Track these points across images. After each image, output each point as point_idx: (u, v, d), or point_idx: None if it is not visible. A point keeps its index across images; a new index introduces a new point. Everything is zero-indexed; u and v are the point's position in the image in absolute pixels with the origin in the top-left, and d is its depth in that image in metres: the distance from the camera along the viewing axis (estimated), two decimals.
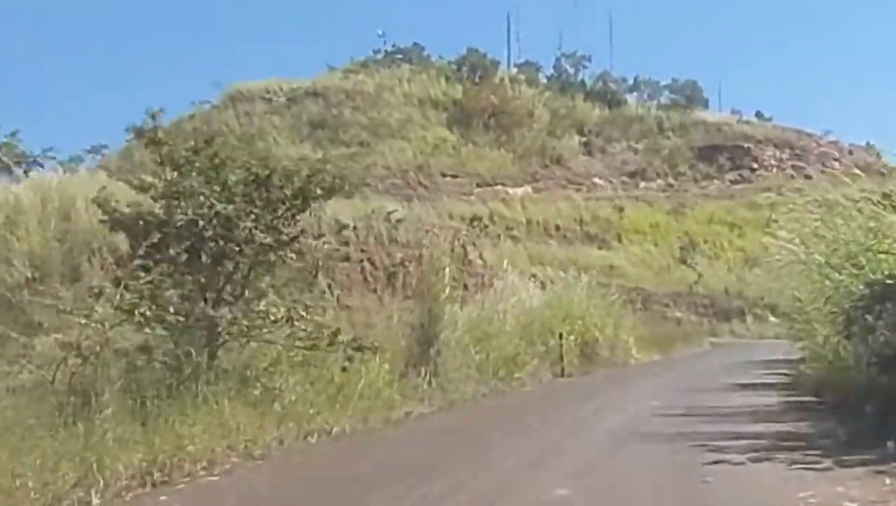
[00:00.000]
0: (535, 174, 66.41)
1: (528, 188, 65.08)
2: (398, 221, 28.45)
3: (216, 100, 66.52)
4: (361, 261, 29.12)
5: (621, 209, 61.47)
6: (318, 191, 10.92)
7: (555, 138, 68.84)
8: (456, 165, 64.23)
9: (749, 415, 11.59)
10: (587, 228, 59.58)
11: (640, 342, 27.85)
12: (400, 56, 73.27)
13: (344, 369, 10.48)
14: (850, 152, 75.27)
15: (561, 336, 19.66)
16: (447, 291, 15.48)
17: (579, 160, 69.67)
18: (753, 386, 16.80)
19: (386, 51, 73.28)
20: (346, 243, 30.98)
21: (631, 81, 76.59)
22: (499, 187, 63.96)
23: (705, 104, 79.18)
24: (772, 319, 47.47)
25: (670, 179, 69.77)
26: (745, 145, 72.00)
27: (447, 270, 16.36)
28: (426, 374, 14.61)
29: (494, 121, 67.75)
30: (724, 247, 59.31)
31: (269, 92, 67.01)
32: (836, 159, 74.16)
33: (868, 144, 78.72)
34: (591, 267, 54.08)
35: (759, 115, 78.53)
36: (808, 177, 74.74)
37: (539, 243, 56.19)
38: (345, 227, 30.80)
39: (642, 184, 68.62)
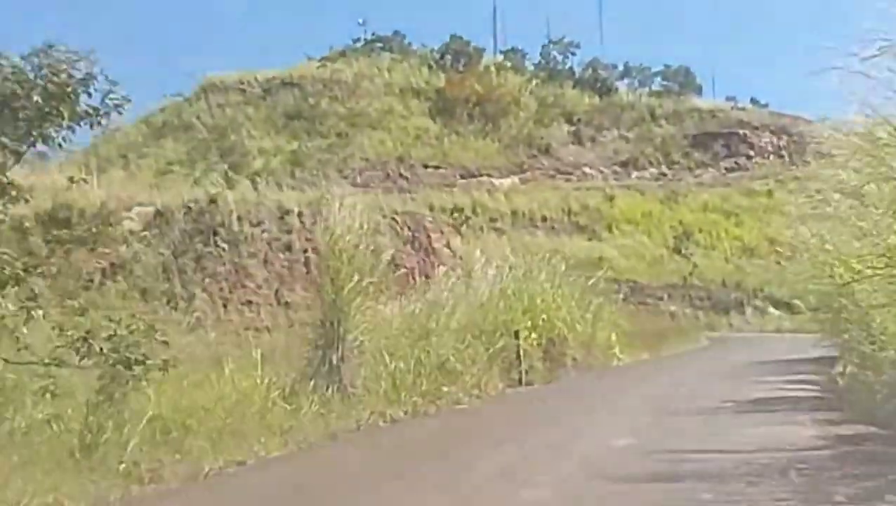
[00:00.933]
0: (522, 164, 62.39)
1: (515, 179, 61.11)
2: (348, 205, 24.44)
3: (189, 92, 63.12)
4: (306, 251, 25.28)
5: (612, 198, 57.44)
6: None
7: (542, 127, 64.77)
8: (438, 155, 60.27)
9: (777, 470, 7.35)
10: (576, 218, 55.55)
11: (627, 340, 23.93)
12: (380, 44, 69.13)
13: (107, 399, 6.51)
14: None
15: (517, 334, 15.71)
16: (355, 280, 11.51)
17: (568, 150, 65.59)
18: (771, 404, 12.60)
19: (366, 39, 69.19)
20: (290, 231, 27.33)
21: (621, 68, 72.39)
22: (484, 178, 59.99)
23: (699, 91, 74.98)
24: (772, 310, 43.54)
25: (663, 168, 65.69)
26: (741, 132, 67.92)
27: (375, 255, 12.44)
28: (326, 389, 10.68)
29: (479, 110, 63.70)
30: (721, 236, 55.27)
31: (243, 83, 62.94)
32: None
33: (867, 129, 75.44)
34: (580, 259, 50.23)
35: (754, 101, 74.48)
36: (806, 163, 71.35)
37: (525, 235, 52.23)
38: (287, 212, 27.11)
39: (634, 173, 64.56)
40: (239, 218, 23.48)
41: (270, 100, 62.32)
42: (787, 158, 68.26)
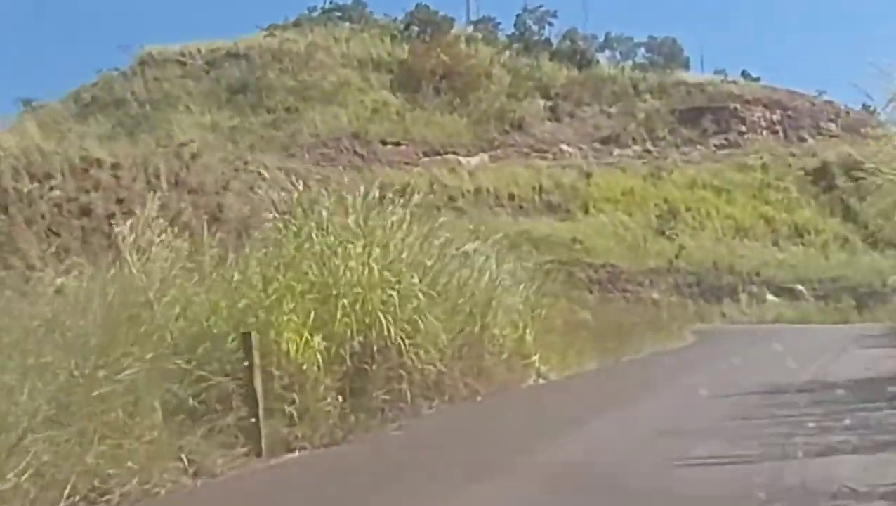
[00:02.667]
0: (493, 141, 54.35)
1: (485, 157, 53.10)
2: (193, 156, 16.99)
3: (125, 66, 55.32)
4: (111, 216, 17.51)
5: (589, 175, 49.50)
6: None
7: (516, 102, 56.70)
8: (399, 132, 52.24)
9: None
10: (548, 197, 47.64)
11: (577, 340, 16.31)
12: (339, 14, 61.29)
13: None
14: (848, 113, 63.61)
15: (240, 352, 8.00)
16: None
17: (545, 126, 57.57)
18: None
19: (323, 9, 61.28)
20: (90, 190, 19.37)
21: (602, 39, 64.53)
22: (450, 156, 52.01)
23: (686, 64, 67.16)
24: (770, 297, 35.64)
25: (648, 145, 57.63)
26: (732, 106, 59.89)
27: None
28: None
29: (446, 84, 55.62)
30: (711, 215, 47.33)
31: (184, 55, 54.89)
32: (831, 120, 62.62)
33: (865, 106, 67.53)
34: (550, 240, 42.37)
35: (745, 74, 66.56)
36: (801, 140, 63.57)
37: (489, 215, 44.36)
38: (94, 163, 19.09)
39: (616, 151, 56.54)
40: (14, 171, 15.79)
41: (214, 73, 54.50)
42: (781, 135, 60.60)
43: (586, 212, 46.22)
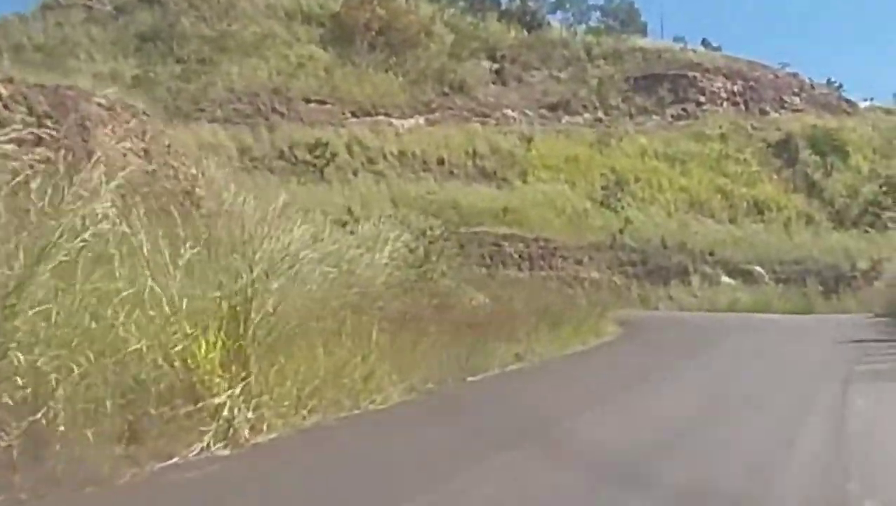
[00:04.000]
0: (430, 104, 48.00)
1: (420, 120, 46.86)
2: None
3: (26, 10, 48.62)
4: None
5: (529, 140, 43.50)
6: None
7: (458, 62, 50.53)
8: (326, 89, 45.89)
9: None
10: (482, 162, 41.48)
11: (387, 353, 9.83)
12: None
13: None
14: (812, 87, 58.02)
15: None
16: None
17: (489, 89, 51.30)
18: None
19: None
20: None
21: (554, 0, 58.44)
22: (382, 118, 45.85)
23: (643, 30, 61.35)
24: (725, 280, 29.53)
25: (599, 114, 51.43)
26: (691, 74, 53.80)
27: None
28: None
29: (383, 40, 49.33)
30: (663, 187, 41.35)
31: None
32: (795, 94, 56.85)
33: (829, 80, 61.99)
34: (478, 210, 36.27)
35: (705, 43, 60.78)
36: (763, 112, 57.80)
37: (413, 181, 38.31)
38: None
39: (565, 118, 50.36)
40: None
41: (122, 19, 47.94)
42: (743, 107, 54.71)
43: (524, 180, 40.17)
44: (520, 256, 33.52)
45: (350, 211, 32.35)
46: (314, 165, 36.75)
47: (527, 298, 18.53)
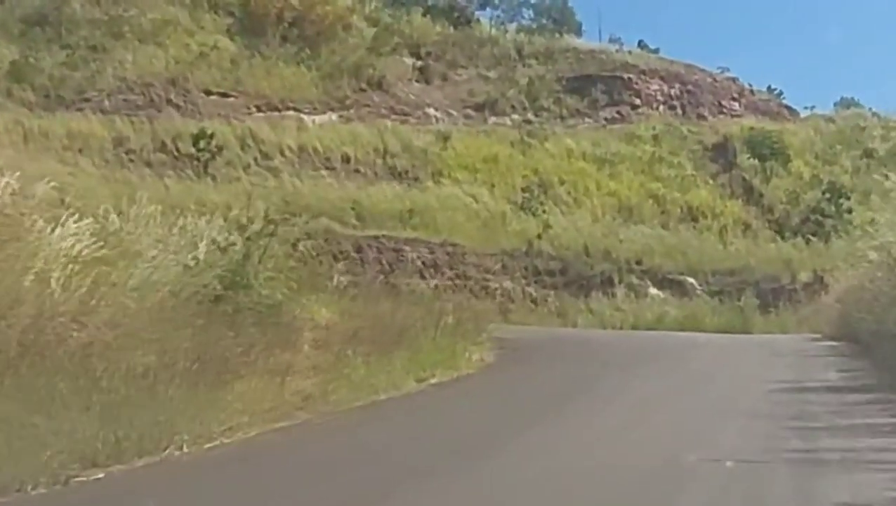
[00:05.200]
0: (345, 100, 43.15)
1: (333, 116, 42.20)
2: None
3: None
4: None
5: (446, 139, 38.93)
6: None
7: (377, 58, 45.92)
8: (230, 81, 41.06)
9: None
10: (393, 161, 36.78)
11: None
12: None
13: None
14: (752, 92, 54.26)
15: None
16: None
17: (411, 87, 46.65)
18: None
19: None
20: None
21: None
22: (290, 112, 41.08)
23: (578, 30, 57.13)
24: (653, 291, 24.98)
25: (529, 115, 46.95)
26: (626, 76, 49.57)
27: None
28: None
29: (296, 32, 44.67)
30: (590, 190, 36.89)
31: None
32: (734, 99, 52.97)
33: (769, 87, 58.22)
34: (378, 211, 31.50)
35: (642, 45, 56.68)
36: (701, 117, 53.81)
37: (311, 179, 33.54)
38: None
39: (492, 119, 45.79)
40: None
41: (8, 2, 42.77)
42: (680, 111, 50.67)
43: (437, 181, 35.52)
44: (423, 263, 28.91)
45: (229, 209, 27.60)
46: (198, 159, 31.87)
47: (390, 314, 13.87)
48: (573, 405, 10.46)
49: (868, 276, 15.48)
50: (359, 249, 27.84)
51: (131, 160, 31.60)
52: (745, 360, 16.92)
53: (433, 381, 11.79)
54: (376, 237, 28.43)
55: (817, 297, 27.01)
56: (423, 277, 28.28)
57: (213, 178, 30.77)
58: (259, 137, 34.32)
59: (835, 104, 54.69)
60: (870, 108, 51.34)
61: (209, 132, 32.02)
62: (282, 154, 33.86)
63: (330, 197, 30.02)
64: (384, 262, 27.91)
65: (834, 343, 18.28)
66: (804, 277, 30.22)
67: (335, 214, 29.60)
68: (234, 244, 13.02)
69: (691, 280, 30.24)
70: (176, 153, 32.56)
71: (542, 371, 14.27)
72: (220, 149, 31.80)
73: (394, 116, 43.36)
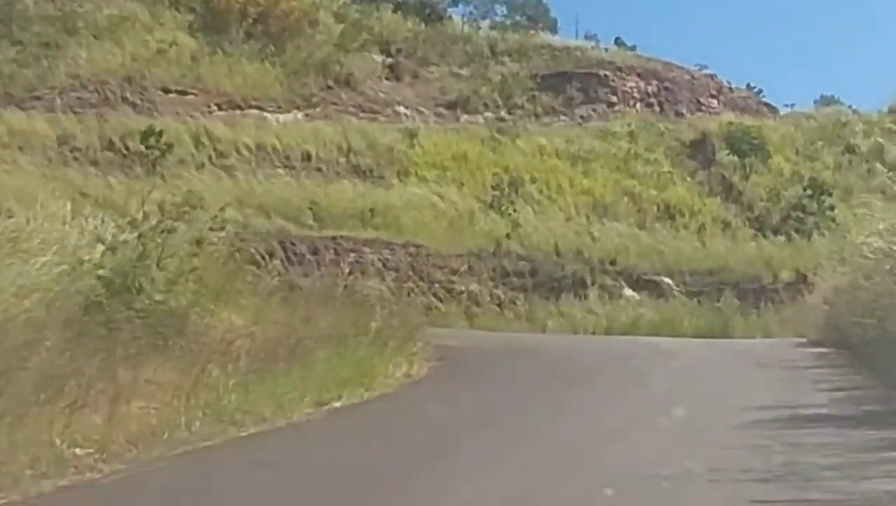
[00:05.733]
0: (312, 98, 41.07)
1: (299, 114, 40.12)
2: None
3: None
4: None
5: (413, 136, 36.97)
6: None
7: (345, 55, 43.88)
8: (190, 79, 38.94)
9: None
10: (357, 159, 34.76)
11: None
12: None
13: None
14: (731, 89, 52.48)
15: None
16: None
17: (381, 85, 44.54)
18: None
19: None
20: None
21: None
22: (254, 111, 39.02)
23: (553, 27, 55.26)
24: (628, 292, 23.19)
25: (503, 113, 44.98)
26: (601, 73, 47.61)
27: None
28: None
29: (261, 28, 42.68)
30: (563, 188, 34.94)
31: None
32: (713, 96, 51.14)
33: (749, 85, 56.49)
34: (338, 211, 29.44)
35: (619, 42, 54.86)
36: (679, 115, 51.99)
37: (269, 177, 31.49)
38: None
39: (464, 117, 43.74)
40: None
41: None
42: (657, 108, 48.83)
43: (403, 179, 33.51)
44: (384, 265, 26.86)
45: (176, 209, 25.53)
46: (146, 158, 29.79)
47: (312, 321, 11.86)
48: (468, 450, 7.90)
49: (864, 273, 13.29)
50: (314, 251, 25.80)
51: (76, 158, 29.56)
52: (719, 374, 14.42)
53: (336, 404, 9.70)
54: (334, 238, 26.40)
55: (800, 297, 25.13)
56: (383, 279, 26.23)
57: (162, 177, 28.65)
58: (214, 135, 32.25)
59: (815, 102, 53.04)
60: (850, 106, 49.71)
61: (158, 129, 29.89)
62: (238, 152, 31.79)
63: (286, 196, 28.00)
64: (342, 264, 25.83)
65: (822, 350, 16.05)
66: (786, 276, 28.35)
67: (291, 214, 27.56)
68: (125, 242, 11.00)
69: (668, 281, 28.31)
70: (124, 151, 30.48)
71: (467, 391, 11.96)
72: (169, 146, 29.75)
73: (362, 115, 41.38)
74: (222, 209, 13.72)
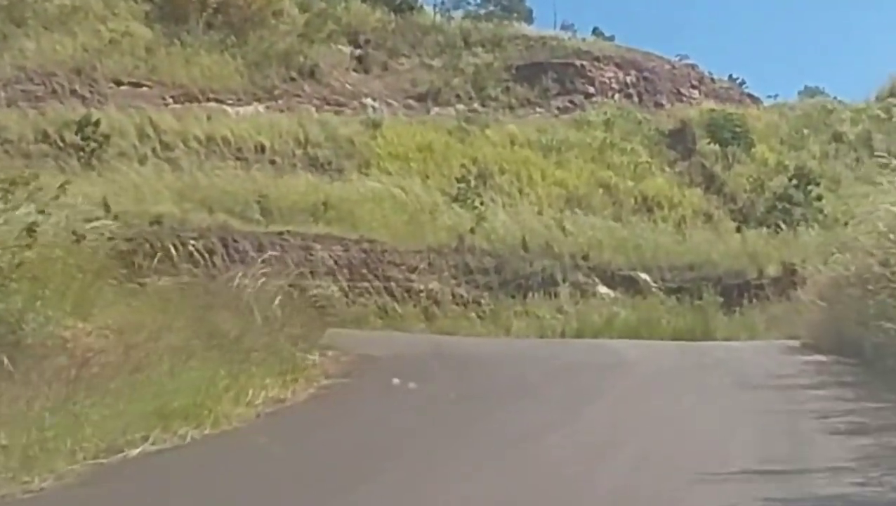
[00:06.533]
0: (274, 90, 38.27)
1: (260, 107, 37.37)
2: None
3: None
4: None
5: (376, 126, 34.26)
6: None
7: (310, 45, 41.16)
8: (144, 70, 36.20)
9: None
10: (315, 151, 32.02)
11: None
12: None
13: None
14: (712, 80, 49.84)
15: None
16: None
17: (348, 76, 41.76)
18: None
19: None
20: None
21: None
22: (212, 104, 36.33)
23: (528, 17, 52.60)
24: (602, 290, 20.46)
25: (475, 105, 42.29)
26: (579, 63, 44.87)
27: None
28: None
29: (221, 18, 39.95)
30: (534, 180, 32.21)
31: None
32: (693, 87, 48.48)
33: (731, 76, 53.90)
34: (287, 204, 26.54)
35: (596, 32, 52.21)
36: (659, 105, 49.30)
37: (218, 170, 28.71)
38: None
39: (435, 109, 41.03)
40: None
41: None
42: (636, 98, 46.18)
43: (364, 172, 30.78)
44: (336, 263, 24.12)
45: (105, 204, 22.84)
46: (83, 150, 27.04)
47: (177, 327, 9.16)
48: None
49: (879, 259, 10.34)
50: (259, 248, 23.06)
51: (6, 151, 26.78)
52: (683, 402, 10.47)
53: (133, 452, 6.91)
54: (280, 233, 23.68)
55: (790, 291, 22.50)
56: (335, 278, 23.54)
57: (96, 169, 25.93)
58: (161, 127, 29.45)
59: (799, 93, 50.40)
60: (835, 97, 47.14)
61: (94, 119, 27.13)
62: (185, 144, 29.01)
63: (232, 189, 25.27)
64: (289, 261, 23.13)
65: (820, 357, 12.88)
66: (772, 270, 25.73)
67: (237, 208, 24.85)
68: None
69: (645, 276, 25.63)
70: (60, 144, 27.72)
71: (335, 427, 8.91)
72: (107, 138, 26.99)
73: (327, 107, 38.69)
74: (62, 187, 10.95)
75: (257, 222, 24.34)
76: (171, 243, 21.90)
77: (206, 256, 22.22)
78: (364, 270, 23.96)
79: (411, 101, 41.55)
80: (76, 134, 26.78)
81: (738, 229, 30.35)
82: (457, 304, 23.61)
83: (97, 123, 26.98)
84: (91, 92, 34.30)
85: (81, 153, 26.69)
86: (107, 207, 23.31)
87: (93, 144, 26.47)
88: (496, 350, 15.24)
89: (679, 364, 12.73)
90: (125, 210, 22.88)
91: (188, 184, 25.50)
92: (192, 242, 22.20)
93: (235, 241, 23.23)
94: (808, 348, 14.25)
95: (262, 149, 30.28)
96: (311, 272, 23.33)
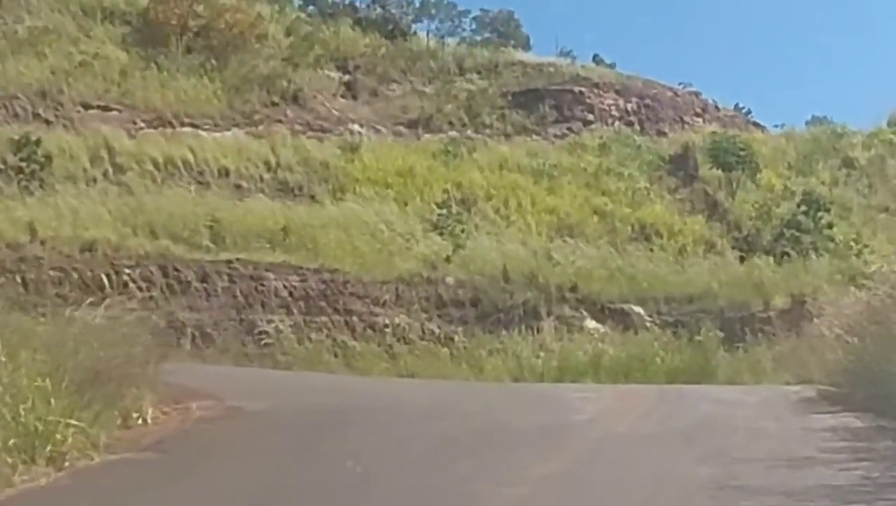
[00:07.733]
0: (254, 115, 35.58)
1: (240, 133, 34.62)
2: None
3: None
4: None
5: (355, 149, 31.25)
6: None
7: (294, 70, 38.42)
8: (116, 94, 33.48)
9: None
10: (286, 175, 29.00)
11: None
12: None
13: None
14: (717, 108, 46.79)
15: None
16: None
17: (335, 102, 39.21)
18: None
19: None
20: None
21: (418, 5, 46.62)
22: (187, 129, 33.53)
23: (526, 44, 49.77)
24: (590, 324, 17.22)
25: (469, 132, 39.55)
26: (577, 90, 42.01)
27: None
28: None
29: (202, 42, 37.36)
30: (524, 206, 29.02)
31: None
32: (697, 115, 45.40)
33: (737, 105, 50.71)
34: (245, 230, 23.31)
35: (597, 59, 49.37)
36: (661, 134, 46.17)
37: (175, 195, 25.65)
38: None
39: (426, 136, 38.31)
40: None
41: None
42: (638, 126, 43.13)
43: (339, 197, 27.70)
44: (291, 295, 20.97)
45: (32, 229, 19.87)
46: (23, 172, 24.12)
47: None
48: None
49: None
50: (203, 278, 19.98)
51: None
52: None
53: None
54: (229, 262, 20.58)
55: (804, 324, 19.10)
56: (288, 312, 20.38)
57: (36, 193, 22.99)
58: (116, 150, 26.51)
59: (806, 123, 46.97)
60: (843, 126, 43.71)
61: (34, 139, 24.23)
62: (140, 167, 26.03)
63: (181, 214, 22.21)
64: (238, 294, 20.05)
65: (851, 418, 8.92)
66: (780, 302, 22.45)
67: (184, 234, 21.79)
68: None
69: (638, 309, 22.36)
70: (1, 165, 24.82)
71: None
72: (48, 159, 24.07)
73: (310, 133, 35.85)
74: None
75: (206, 249, 21.26)
76: (103, 273, 18.92)
77: (144, 285, 19.20)
78: (322, 303, 20.81)
79: (401, 128, 38.78)
80: (15, 154, 23.82)
81: (742, 259, 27.04)
82: (426, 340, 20.41)
83: (38, 143, 24.03)
84: (56, 116, 31.64)
85: (21, 175, 23.72)
86: (33, 232, 20.43)
87: (33, 166, 23.50)
88: (426, 400, 11.84)
89: (642, 430, 9.08)
90: (55, 235, 19.94)
91: (133, 208, 22.47)
92: (126, 270, 19.18)
93: (177, 269, 20.17)
94: (827, 400, 10.67)
95: (226, 172, 27.32)
96: (262, 304, 20.15)
